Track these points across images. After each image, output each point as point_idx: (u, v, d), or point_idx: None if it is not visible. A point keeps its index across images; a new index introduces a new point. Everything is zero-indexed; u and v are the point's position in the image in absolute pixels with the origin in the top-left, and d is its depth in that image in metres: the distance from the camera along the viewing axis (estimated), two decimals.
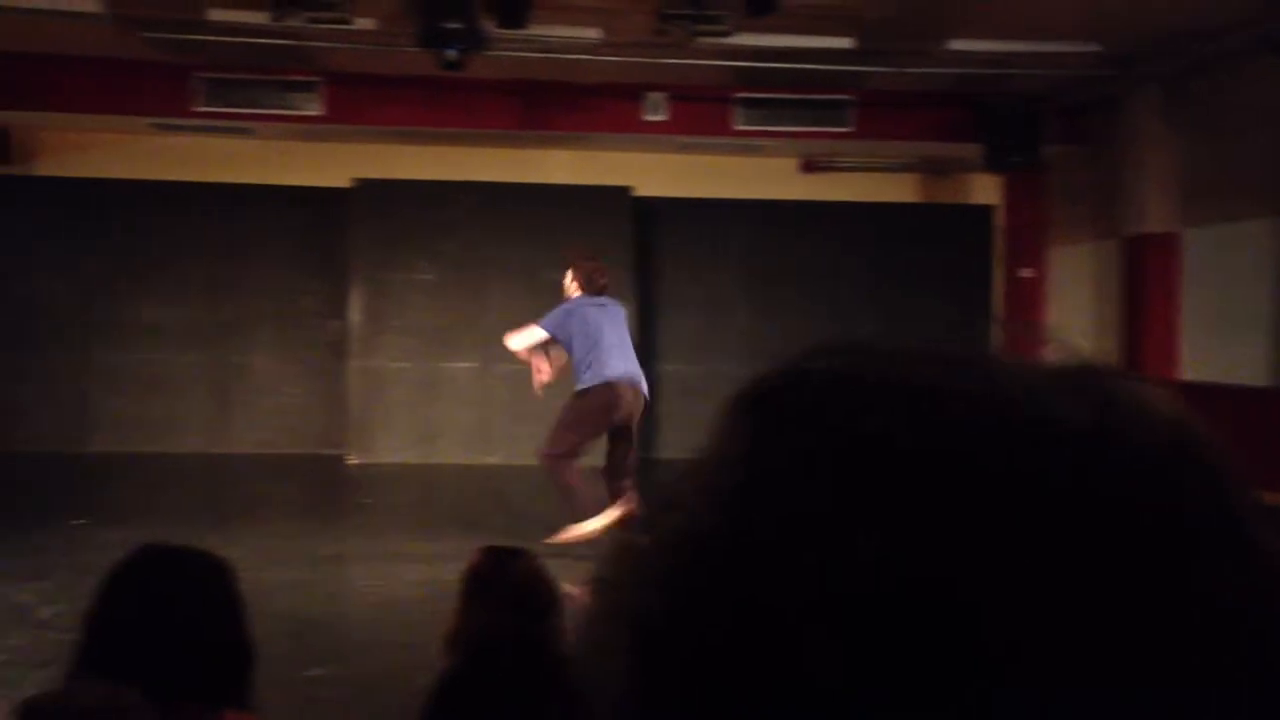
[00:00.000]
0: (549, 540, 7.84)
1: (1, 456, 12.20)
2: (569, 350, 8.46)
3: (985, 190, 14.42)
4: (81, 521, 9.09)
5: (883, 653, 0.38)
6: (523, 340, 8.62)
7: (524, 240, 13.03)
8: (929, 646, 0.38)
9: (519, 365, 13.15)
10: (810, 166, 14.52)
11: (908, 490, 0.40)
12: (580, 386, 8.33)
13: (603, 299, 8.63)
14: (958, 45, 11.05)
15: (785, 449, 0.42)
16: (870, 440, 0.41)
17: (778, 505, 0.41)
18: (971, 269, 14.10)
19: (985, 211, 14.35)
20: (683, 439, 13.66)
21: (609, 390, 8.25)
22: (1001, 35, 10.82)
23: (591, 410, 8.33)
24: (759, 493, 0.42)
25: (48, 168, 13.62)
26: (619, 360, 8.37)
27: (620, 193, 13.16)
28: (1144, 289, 12.16)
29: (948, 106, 12.88)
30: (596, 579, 0.45)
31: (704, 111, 12.95)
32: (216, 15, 10.43)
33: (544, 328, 8.47)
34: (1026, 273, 14.20)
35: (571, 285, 8.66)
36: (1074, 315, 13.50)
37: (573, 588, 3.42)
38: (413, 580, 7.70)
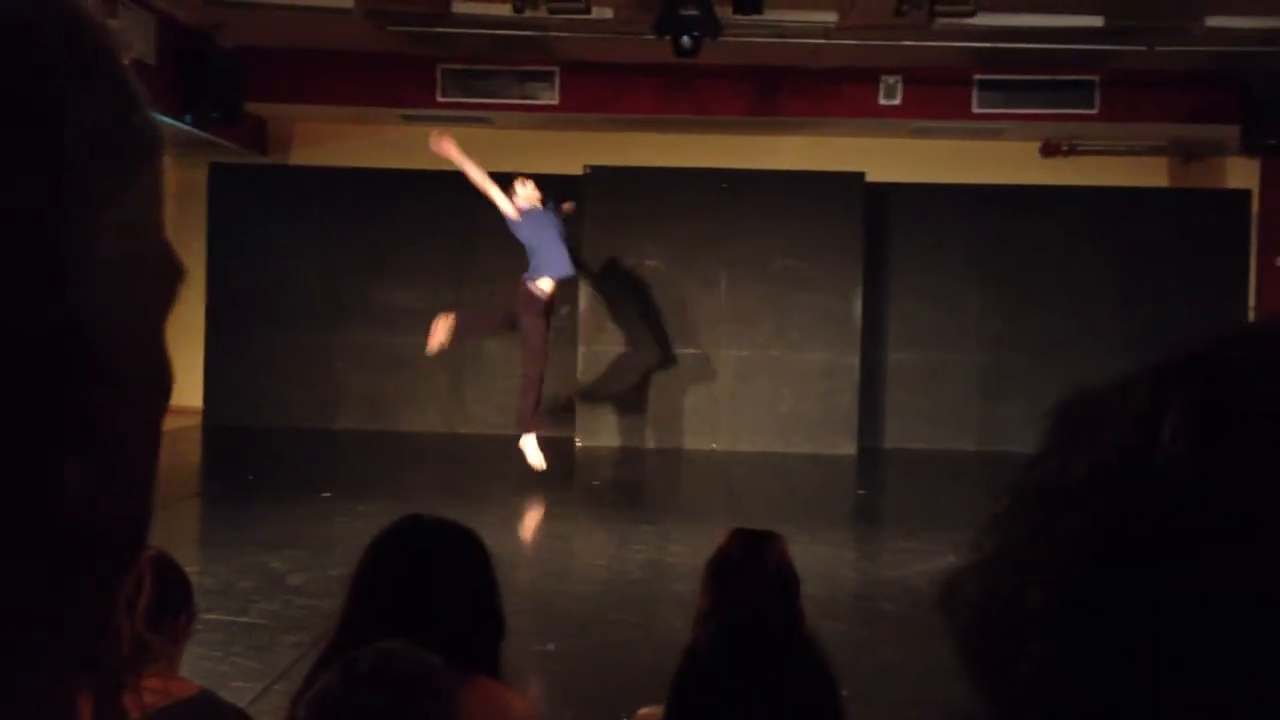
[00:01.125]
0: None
1: (257, 432, 12.92)
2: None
3: (1241, 174, 13.66)
4: (328, 495, 9.54)
5: None
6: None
7: (754, 227, 13.01)
8: None
9: (744, 351, 13.21)
10: (1051, 150, 14.01)
11: None
12: None
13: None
14: (1215, 22, 10.47)
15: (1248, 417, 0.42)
16: None
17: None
18: (1224, 257, 13.35)
19: (1241, 197, 13.57)
20: (909, 429, 13.41)
21: None
22: (1263, 10, 10.20)
23: None
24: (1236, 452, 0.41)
25: (300, 157, 14.32)
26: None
27: (853, 179, 12.98)
28: None
29: (1202, 86, 12.23)
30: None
31: (941, 95, 12.65)
32: (461, 8, 10.75)
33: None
34: None
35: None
36: None
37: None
38: (639, 561, 7.80)
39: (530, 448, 10.21)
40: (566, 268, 10.19)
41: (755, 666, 1.65)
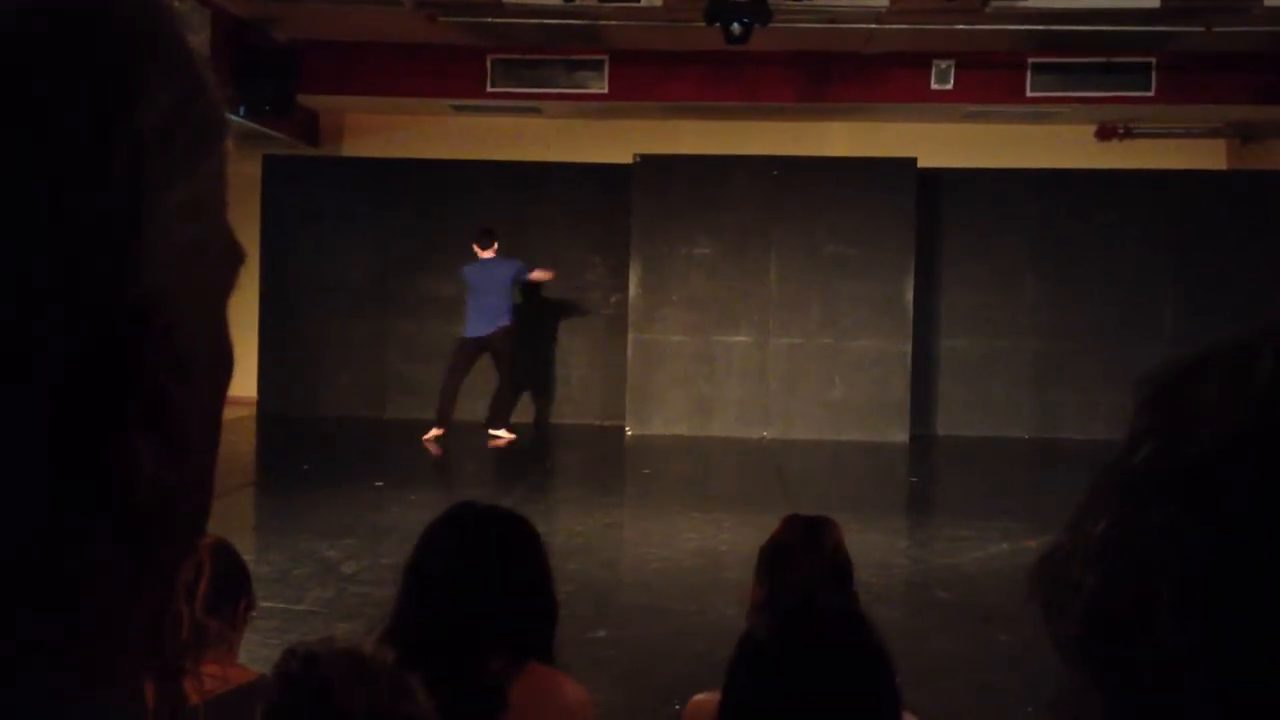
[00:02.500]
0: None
1: (310, 420, 13.04)
2: None
3: None
4: (380, 484, 9.61)
5: None
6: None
7: (804, 214, 12.95)
8: None
9: (794, 339, 13.17)
10: (1106, 133, 13.83)
11: None
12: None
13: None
14: (1274, 1, 10.28)
15: None
16: None
17: None
18: None
19: None
20: (962, 416, 13.31)
21: None
22: None
23: None
24: None
25: (351, 148, 14.42)
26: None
27: (905, 164, 12.89)
28: None
29: (1261, 67, 12.03)
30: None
31: (994, 78, 12.53)
32: None
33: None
34: None
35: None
36: None
37: None
38: (690, 549, 7.80)
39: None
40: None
41: (811, 652, 1.64)
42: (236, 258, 0.54)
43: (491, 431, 12.16)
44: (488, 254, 12.02)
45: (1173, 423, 0.44)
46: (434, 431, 11.89)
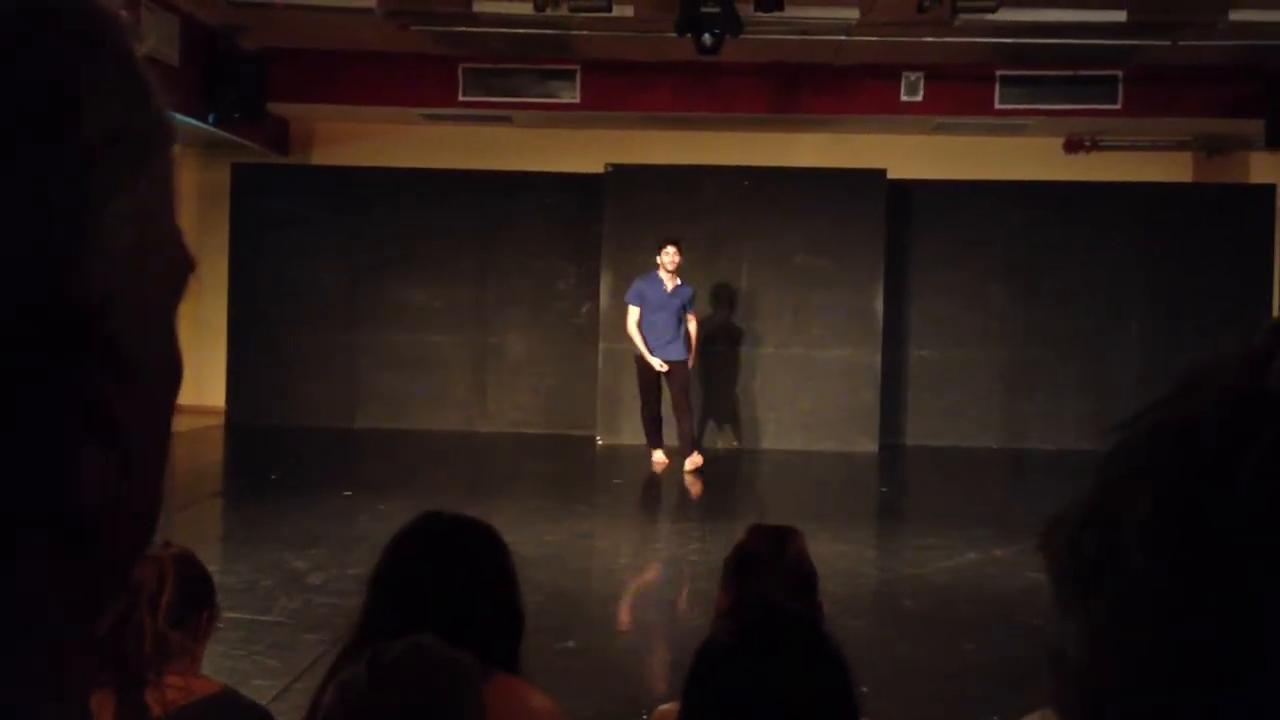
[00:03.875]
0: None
1: (278, 430, 12.97)
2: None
3: (1265, 169, 13.57)
4: (349, 493, 9.56)
5: None
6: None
7: (775, 224, 12.98)
8: None
9: (765, 349, 13.19)
10: (1074, 146, 13.94)
11: None
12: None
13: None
14: (1239, 16, 10.39)
15: None
16: None
17: None
18: (1248, 253, 13.26)
19: (1266, 191, 13.48)
20: (931, 426, 13.36)
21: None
22: None
23: None
24: None
25: (321, 157, 14.37)
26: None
27: (875, 175, 12.95)
28: None
29: (1226, 80, 12.15)
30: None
31: (963, 91, 12.61)
32: (482, 7, 10.76)
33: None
34: None
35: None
36: None
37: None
38: (660, 559, 7.80)
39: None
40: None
41: (770, 660, 1.64)
42: (186, 265, 0.53)
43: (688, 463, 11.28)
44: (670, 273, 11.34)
45: (1183, 390, 0.46)
46: (691, 462, 11.18)
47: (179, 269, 0.53)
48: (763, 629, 1.69)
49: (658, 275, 11.26)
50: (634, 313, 11.21)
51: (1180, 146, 13.90)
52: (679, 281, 11.26)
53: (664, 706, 2.34)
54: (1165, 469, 0.44)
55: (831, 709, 1.68)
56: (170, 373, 0.52)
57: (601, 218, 13.09)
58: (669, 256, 11.18)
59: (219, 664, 5.00)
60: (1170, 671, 0.42)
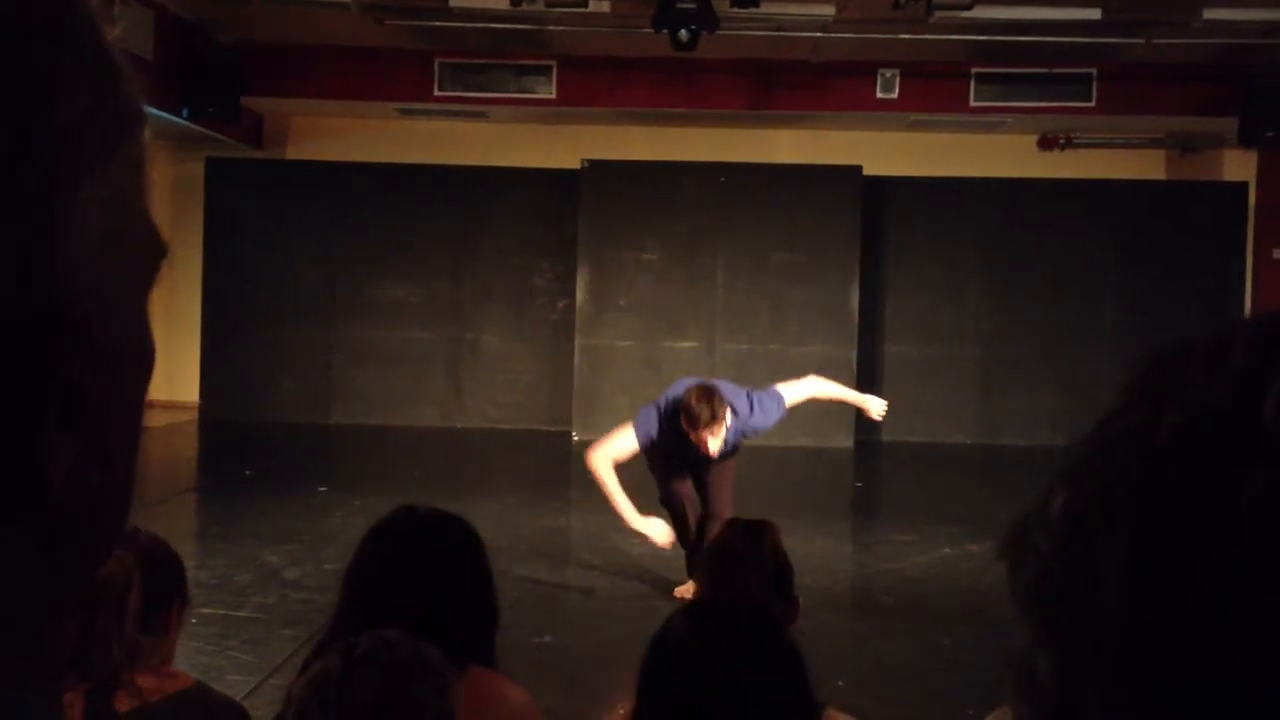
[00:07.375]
0: None
1: (253, 426, 12.91)
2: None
3: (1238, 167, 13.65)
4: (325, 489, 9.53)
5: None
6: None
7: (751, 221, 13.00)
8: None
9: (741, 345, 13.21)
10: (1048, 143, 14.01)
11: None
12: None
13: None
14: (1214, 14, 10.45)
15: None
16: None
17: None
18: (1222, 250, 13.36)
19: (1238, 189, 13.58)
20: (906, 422, 13.41)
21: None
22: (1262, 2, 10.19)
23: None
24: None
25: (296, 151, 14.30)
26: None
27: (851, 172, 12.98)
28: None
29: (1200, 79, 12.23)
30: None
31: (938, 88, 12.65)
32: (458, 2, 10.72)
33: None
34: None
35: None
36: None
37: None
38: (636, 554, 7.80)
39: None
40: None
41: (722, 655, 1.65)
42: (158, 251, 0.53)
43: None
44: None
45: (1148, 401, 0.45)
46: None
47: (151, 254, 0.52)
48: (713, 623, 1.70)
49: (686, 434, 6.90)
50: (623, 453, 7.36)
51: (1154, 144, 13.98)
52: (729, 425, 6.93)
53: (625, 705, 2.34)
54: (1143, 499, 0.43)
55: (785, 704, 1.68)
56: (142, 358, 0.52)
57: (578, 214, 13.08)
58: (708, 433, 6.80)
59: (193, 659, 4.97)
60: (1150, 708, 0.42)
